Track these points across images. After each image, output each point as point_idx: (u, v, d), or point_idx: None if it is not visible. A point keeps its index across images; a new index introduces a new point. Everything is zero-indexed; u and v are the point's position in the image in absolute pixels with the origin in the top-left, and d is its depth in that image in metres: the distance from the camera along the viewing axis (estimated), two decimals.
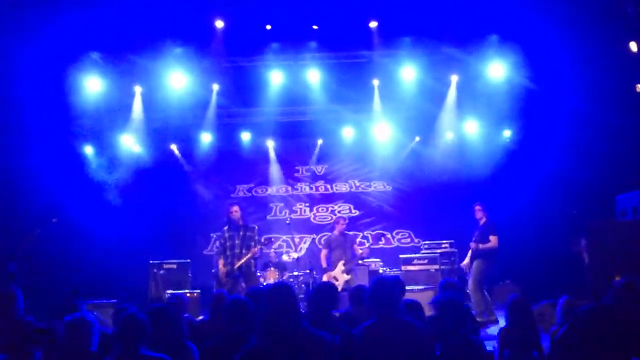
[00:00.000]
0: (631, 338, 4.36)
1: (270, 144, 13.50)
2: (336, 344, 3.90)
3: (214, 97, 11.80)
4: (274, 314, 3.62)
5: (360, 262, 10.93)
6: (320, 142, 13.52)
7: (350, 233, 11.08)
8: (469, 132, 12.61)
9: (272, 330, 3.62)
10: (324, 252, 10.37)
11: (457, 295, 4.75)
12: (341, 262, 10.00)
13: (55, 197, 10.90)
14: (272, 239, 11.73)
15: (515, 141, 11.77)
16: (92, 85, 10.75)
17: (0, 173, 9.98)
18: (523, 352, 4.72)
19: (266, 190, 13.79)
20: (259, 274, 10.32)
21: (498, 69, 10.97)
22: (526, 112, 11.26)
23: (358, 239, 12.83)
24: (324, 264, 10.24)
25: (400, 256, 10.87)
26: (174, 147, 13.23)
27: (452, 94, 11.75)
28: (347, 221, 10.61)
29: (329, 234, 11.09)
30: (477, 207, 9.50)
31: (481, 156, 12.19)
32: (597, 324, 4.41)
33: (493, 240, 9.14)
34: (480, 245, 9.17)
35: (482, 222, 9.44)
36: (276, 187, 13.77)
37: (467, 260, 9.51)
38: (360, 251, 10.47)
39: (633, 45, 9.65)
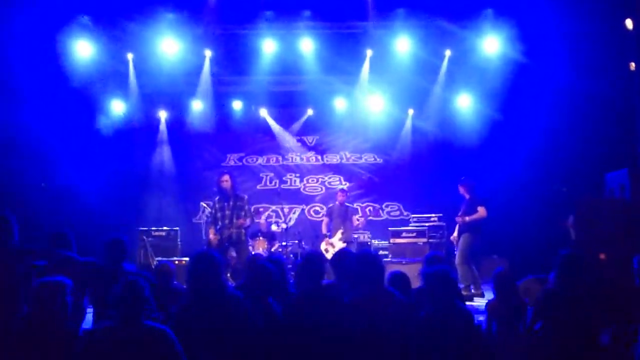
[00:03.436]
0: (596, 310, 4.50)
1: (264, 112, 13.42)
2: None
3: (207, 64, 11.67)
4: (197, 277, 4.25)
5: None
6: (310, 112, 13.47)
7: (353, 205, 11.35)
8: (461, 105, 12.59)
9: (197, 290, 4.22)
10: (325, 220, 11.05)
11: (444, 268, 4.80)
12: (340, 231, 10.55)
13: (45, 161, 10.85)
14: (261, 210, 11.82)
15: (507, 116, 11.75)
16: (82, 50, 10.61)
17: None
18: (510, 325, 4.80)
19: (256, 159, 13.76)
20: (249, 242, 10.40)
21: (492, 44, 10.91)
22: (518, 86, 11.24)
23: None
24: (324, 231, 10.88)
25: (389, 229, 10.93)
26: (162, 115, 13.11)
27: (444, 68, 11.70)
28: (347, 193, 11.03)
29: (321, 206, 11.25)
30: (459, 186, 9.60)
31: (472, 130, 12.21)
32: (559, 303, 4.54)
33: (481, 210, 9.19)
34: (467, 218, 9.23)
35: (467, 197, 9.52)
36: (267, 156, 13.76)
37: (455, 234, 9.59)
38: (357, 222, 10.74)
39: (629, 23, 9.60)
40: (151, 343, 3.70)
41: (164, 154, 13.21)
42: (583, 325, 4.47)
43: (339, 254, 5.43)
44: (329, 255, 9.50)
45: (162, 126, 13.20)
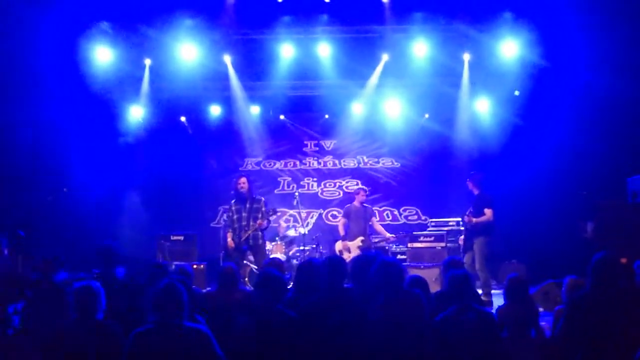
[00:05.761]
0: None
1: (282, 117, 13.53)
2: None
3: (231, 70, 11.72)
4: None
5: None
6: (326, 116, 13.49)
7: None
8: (480, 109, 12.51)
9: None
10: (342, 221, 10.38)
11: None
12: (360, 238, 10.02)
13: (65, 166, 10.95)
14: (279, 213, 11.76)
15: (526, 119, 11.65)
16: (102, 55, 10.71)
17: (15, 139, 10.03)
18: (521, 331, 4.71)
19: (274, 164, 13.78)
20: (268, 246, 10.37)
21: (511, 47, 10.82)
22: (538, 89, 11.14)
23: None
24: (342, 232, 10.25)
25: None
26: (183, 119, 13.22)
27: (466, 73, 11.62)
28: (367, 192, 10.61)
29: (339, 210, 11.07)
30: (468, 181, 9.46)
31: (490, 134, 12.12)
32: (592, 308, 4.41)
33: (488, 213, 8.96)
34: (474, 219, 9.03)
35: (475, 193, 9.34)
36: (284, 161, 13.78)
37: (462, 236, 9.50)
38: (386, 234, 10.52)
39: None
40: (191, 344, 3.75)
41: (182, 159, 13.28)
42: (617, 332, 4.33)
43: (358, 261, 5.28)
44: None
45: (182, 131, 13.30)
